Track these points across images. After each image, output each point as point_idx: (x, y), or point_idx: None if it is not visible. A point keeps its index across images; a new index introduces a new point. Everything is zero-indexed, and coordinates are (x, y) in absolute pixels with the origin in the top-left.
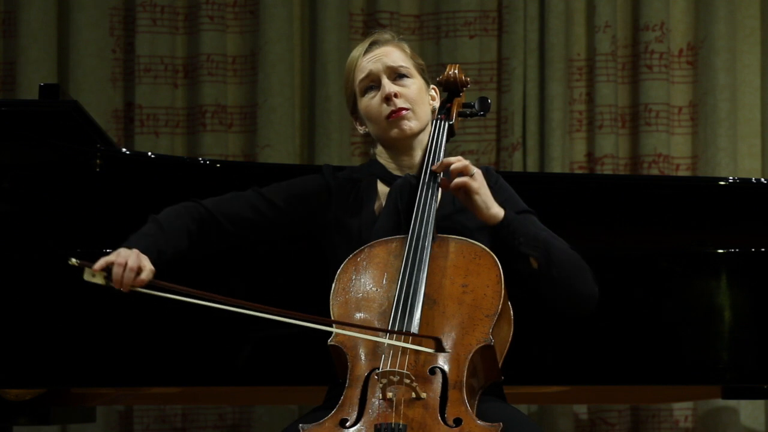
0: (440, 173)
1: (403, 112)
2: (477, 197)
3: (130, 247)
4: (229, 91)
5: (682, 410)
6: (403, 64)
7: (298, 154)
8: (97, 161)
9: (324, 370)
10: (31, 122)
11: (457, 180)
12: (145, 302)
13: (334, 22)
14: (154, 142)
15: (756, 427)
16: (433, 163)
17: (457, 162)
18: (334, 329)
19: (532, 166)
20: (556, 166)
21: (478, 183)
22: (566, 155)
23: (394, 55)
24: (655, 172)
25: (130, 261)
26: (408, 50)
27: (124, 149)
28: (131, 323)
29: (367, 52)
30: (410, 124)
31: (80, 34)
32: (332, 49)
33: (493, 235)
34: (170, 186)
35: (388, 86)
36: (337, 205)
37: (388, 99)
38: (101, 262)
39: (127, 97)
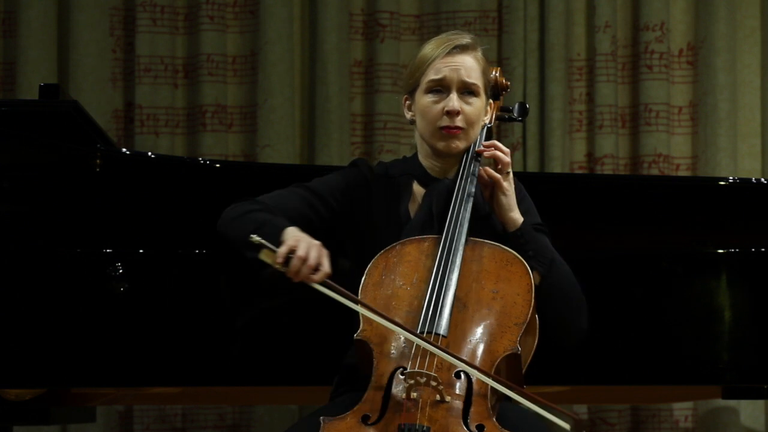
0: (478, 162)
1: (458, 132)
2: (503, 197)
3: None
4: (229, 91)
5: (682, 410)
6: (476, 83)
7: (298, 154)
8: (97, 161)
9: (324, 370)
10: (31, 122)
11: (494, 173)
12: (144, 302)
13: (334, 22)
14: (154, 142)
15: (756, 427)
16: (469, 164)
17: (503, 155)
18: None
19: (532, 166)
20: (556, 166)
21: (509, 184)
22: (566, 155)
23: (471, 69)
24: (655, 172)
25: (311, 258)
26: (483, 62)
27: (124, 149)
28: (131, 323)
29: (447, 54)
30: (459, 144)
31: (80, 34)
32: (332, 49)
33: (505, 239)
34: (170, 186)
35: (455, 102)
36: (373, 201)
37: (449, 113)
38: (284, 250)
39: (127, 97)
